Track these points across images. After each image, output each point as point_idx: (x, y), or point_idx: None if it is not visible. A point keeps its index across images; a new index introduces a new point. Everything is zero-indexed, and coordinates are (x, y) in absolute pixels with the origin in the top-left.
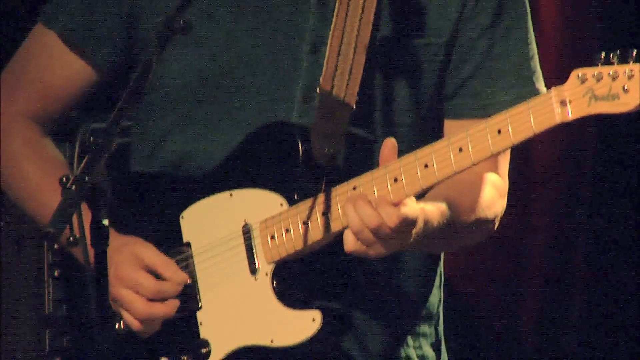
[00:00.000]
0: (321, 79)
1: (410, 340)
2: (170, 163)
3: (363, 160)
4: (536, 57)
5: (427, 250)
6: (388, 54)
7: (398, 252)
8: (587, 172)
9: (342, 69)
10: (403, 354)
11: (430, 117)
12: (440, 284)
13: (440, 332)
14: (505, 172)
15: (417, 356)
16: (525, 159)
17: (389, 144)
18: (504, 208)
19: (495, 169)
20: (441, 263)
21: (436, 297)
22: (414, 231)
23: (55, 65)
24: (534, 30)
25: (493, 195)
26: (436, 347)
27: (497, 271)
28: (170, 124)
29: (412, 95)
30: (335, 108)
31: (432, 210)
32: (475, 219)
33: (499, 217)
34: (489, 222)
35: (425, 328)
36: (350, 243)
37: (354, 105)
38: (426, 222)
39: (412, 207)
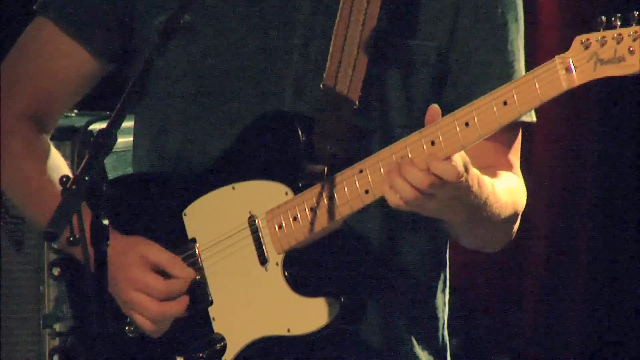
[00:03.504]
0: (324, 75)
1: (414, 340)
2: (169, 158)
3: (363, 150)
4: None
5: (470, 223)
6: (387, 51)
7: (400, 252)
8: (588, 171)
9: (346, 65)
10: (407, 353)
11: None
12: (444, 289)
13: (445, 337)
14: (520, 173)
15: (421, 357)
16: (525, 158)
17: (432, 110)
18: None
19: (511, 170)
20: (446, 267)
21: (440, 300)
22: (463, 179)
23: (54, 55)
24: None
25: (521, 189)
26: (440, 352)
27: (497, 271)
28: (167, 117)
29: (408, 95)
30: (338, 105)
31: (480, 174)
32: (512, 200)
33: (519, 217)
34: (518, 212)
35: (429, 331)
36: (397, 204)
37: (357, 102)
38: (480, 179)
39: (459, 156)
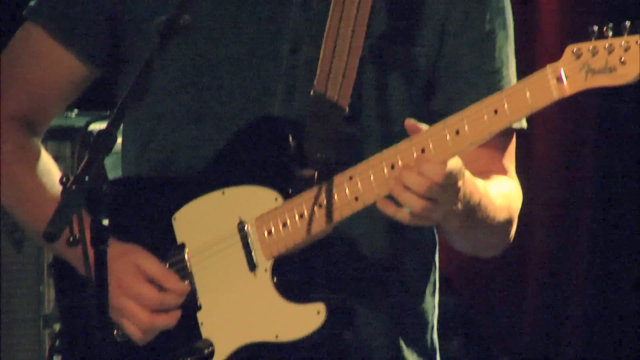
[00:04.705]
0: (315, 81)
1: (403, 345)
2: (157, 163)
3: (353, 156)
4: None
5: (465, 226)
6: (378, 58)
7: (389, 257)
8: (588, 171)
9: (336, 71)
10: (396, 357)
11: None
12: (433, 292)
13: (435, 341)
14: (515, 177)
15: None
16: (524, 161)
17: (410, 127)
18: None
19: (506, 175)
20: (436, 271)
21: (429, 304)
22: (459, 184)
23: (43, 61)
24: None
25: (516, 193)
26: (430, 355)
27: (498, 271)
28: (155, 123)
29: (400, 101)
30: (328, 111)
31: (473, 177)
32: (507, 204)
33: (515, 221)
34: (513, 215)
35: (418, 335)
36: (407, 218)
37: (347, 108)
38: (473, 182)
39: (454, 160)
